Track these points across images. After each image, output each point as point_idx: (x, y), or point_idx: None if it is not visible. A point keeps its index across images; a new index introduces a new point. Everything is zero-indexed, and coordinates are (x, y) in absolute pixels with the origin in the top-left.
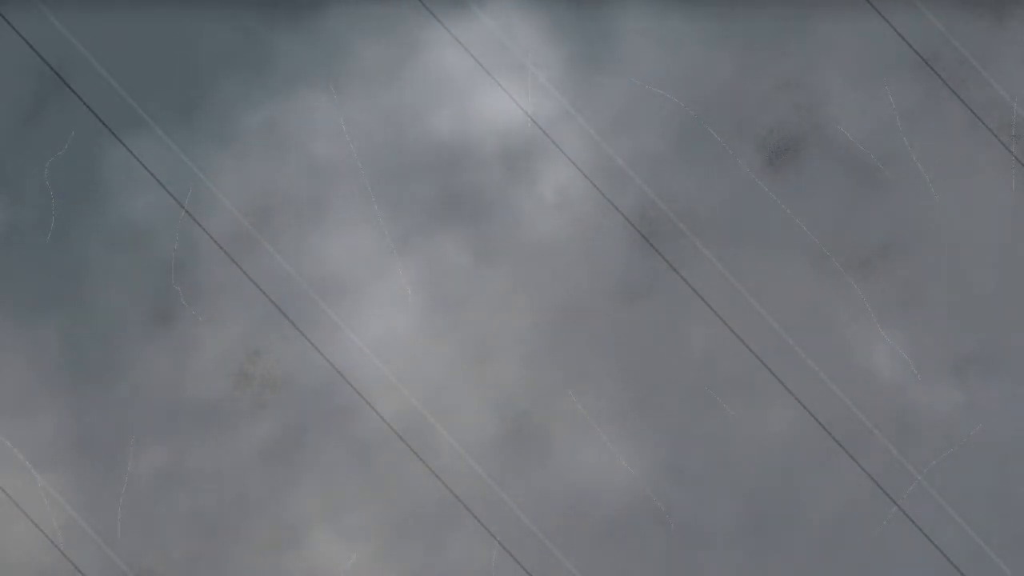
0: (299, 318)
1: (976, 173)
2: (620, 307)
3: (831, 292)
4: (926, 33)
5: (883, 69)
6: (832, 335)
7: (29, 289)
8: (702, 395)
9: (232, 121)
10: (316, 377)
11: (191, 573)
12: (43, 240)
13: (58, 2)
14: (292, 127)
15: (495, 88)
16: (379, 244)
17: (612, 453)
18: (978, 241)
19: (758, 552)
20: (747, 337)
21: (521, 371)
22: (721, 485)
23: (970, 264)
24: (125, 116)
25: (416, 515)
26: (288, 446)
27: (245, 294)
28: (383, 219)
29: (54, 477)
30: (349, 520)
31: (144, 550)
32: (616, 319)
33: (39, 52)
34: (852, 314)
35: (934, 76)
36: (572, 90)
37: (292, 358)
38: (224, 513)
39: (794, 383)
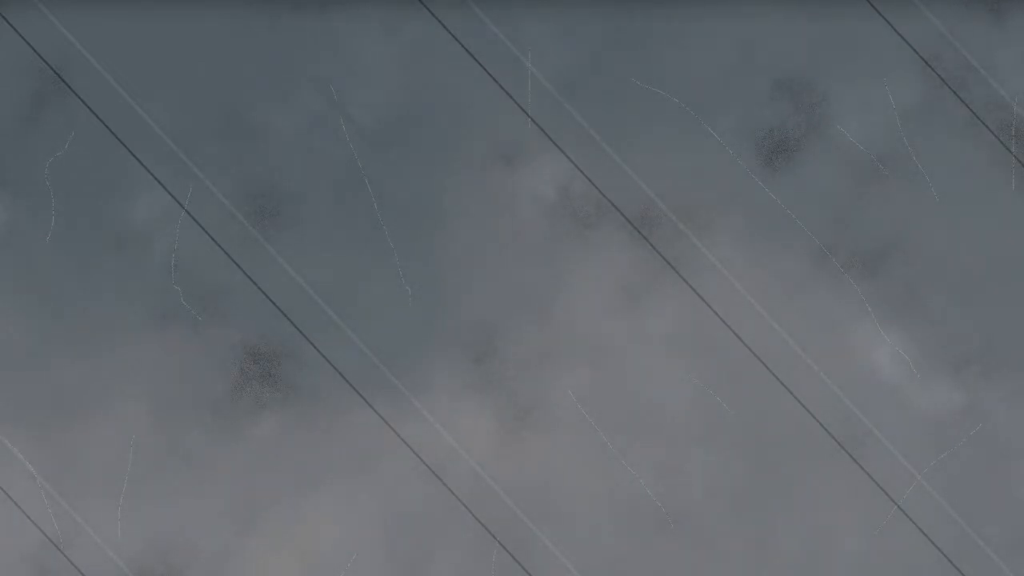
0: (299, 318)
1: (976, 173)
2: (620, 307)
3: (831, 292)
4: (926, 33)
5: (883, 69)
6: (832, 335)
7: (29, 289)
8: (702, 395)
9: (232, 121)
10: (316, 377)
11: (191, 573)
12: (43, 240)
13: (58, 2)
14: (292, 126)
15: (495, 87)
16: (379, 243)
17: (612, 453)
18: (978, 241)
19: (758, 552)
20: (747, 337)
21: (520, 370)
22: (720, 485)
23: (970, 264)
24: (125, 116)
25: (417, 515)
26: (288, 446)
27: (245, 294)
28: (383, 218)
29: (54, 477)
30: (350, 520)
31: (144, 550)
32: (616, 319)
33: (39, 52)
34: (852, 314)
35: (934, 76)
36: (572, 90)
37: (292, 358)
38: (224, 513)
39: (794, 383)
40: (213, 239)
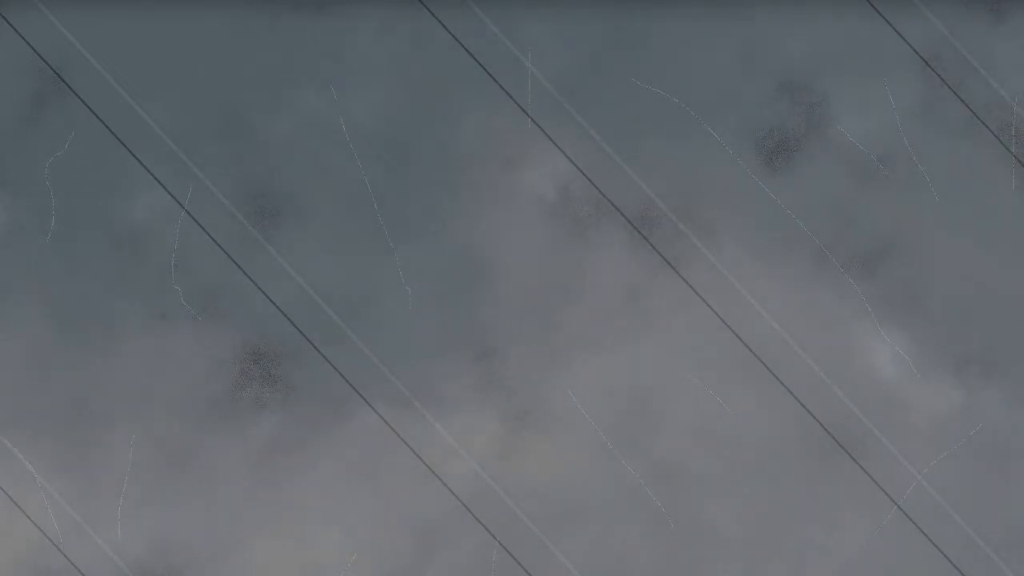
0: (299, 318)
1: (976, 173)
2: (620, 307)
3: (831, 292)
4: (926, 33)
5: (883, 69)
6: (832, 335)
7: (29, 289)
8: (702, 395)
9: (232, 121)
10: (316, 377)
11: (191, 573)
12: (43, 240)
13: (58, 2)
14: (292, 127)
15: (495, 87)
16: (379, 243)
17: (612, 453)
18: (978, 241)
19: (758, 552)
20: (747, 337)
21: (521, 370)
22: (721, 485)
23: (970, 264)
24: (125, 116)
25: (417, 515)
26: (288, 446)
27: (245, 294)
28: (383, 219)
29: (54, 477)
30: (349, 520)
31: (144, 550)
32: (616, 319)
33: (39, 52)
34: (852, 314)
35: (934, 76)
36: (572, 90)
37: (292, 358)
38: (224, 513)
39: (794, 383)
40: (213, 239)
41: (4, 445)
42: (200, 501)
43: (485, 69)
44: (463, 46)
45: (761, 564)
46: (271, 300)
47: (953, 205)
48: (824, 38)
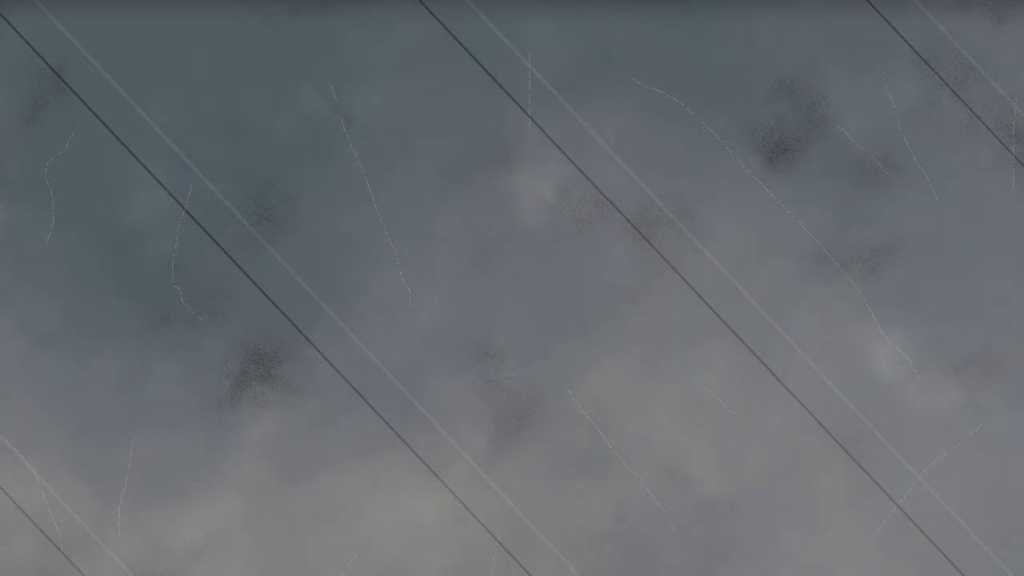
0: (299, 318)
1: (976, 173)
2: (620, 307)
3: (831, 292)
4: (926, 33)
5: (883, 69)
6: (832, 335)
7: (29, 289)
8: (702, 395)
9: (232, 121)
10: (316, 377)
11: (191, 573)
12: (43, 240)
13: (58, 2)
14: (292, 127)
15: (495, 87)
16: (379, 243)
17: (611, 453)
18: (978, 241)
19: (758, 552)
20: (747, 337)
21: (520, 371)
22: (722, 484)
23: (970, 264)
24: (125, 116)
25: (417, 514)
26: (288, 446)
27: (245, 294)
28: (383, 218)
29: (54, 477)
30: (349, 520)
31: (144, 550)
32: (616, 319)
33: (39, 52)
34: (852, 314)
35: (934, 76)
36: (572, 90)
37: (292, 358)
38: (225, 513)
39: (794, 383)
40: (213, 239)
41: (4, 445)
42: (200, 501)
43: (485, 69)
44: (463, 46)
45: (761, 564)
46: (271, 300)
47: (953, 205)
48: (824, 38)
